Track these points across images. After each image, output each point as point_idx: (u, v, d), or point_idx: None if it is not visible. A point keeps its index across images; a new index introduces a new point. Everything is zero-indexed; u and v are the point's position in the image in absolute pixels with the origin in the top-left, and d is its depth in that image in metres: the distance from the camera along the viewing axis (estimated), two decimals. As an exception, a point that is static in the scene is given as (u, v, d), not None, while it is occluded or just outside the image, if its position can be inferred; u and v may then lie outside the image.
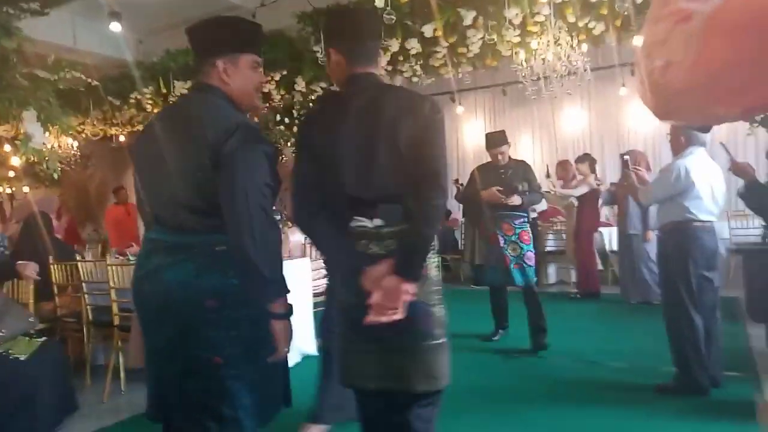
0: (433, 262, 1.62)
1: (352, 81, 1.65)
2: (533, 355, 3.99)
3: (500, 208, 4.24)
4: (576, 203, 6.38)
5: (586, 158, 6.39)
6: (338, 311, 1.74)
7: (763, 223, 4.34)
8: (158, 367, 1.65)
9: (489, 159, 4.47)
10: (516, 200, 4.20)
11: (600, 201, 6.24)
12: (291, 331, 1.63)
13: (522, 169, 4.41)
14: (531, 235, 4.34)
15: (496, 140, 4.42)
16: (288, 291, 1.62)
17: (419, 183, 1.52)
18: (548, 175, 7.00)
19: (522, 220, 4.30)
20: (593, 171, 6.33)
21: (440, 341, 1.60)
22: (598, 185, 6.33)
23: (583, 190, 6.20)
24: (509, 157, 4.43)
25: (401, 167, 1.54)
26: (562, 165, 6.68)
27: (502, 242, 4.24)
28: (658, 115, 0.64)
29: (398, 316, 1.48)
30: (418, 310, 1.55)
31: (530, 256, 4.25)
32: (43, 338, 2.97)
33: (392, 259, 1.51)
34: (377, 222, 1.57)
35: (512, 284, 4.24)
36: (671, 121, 0.87)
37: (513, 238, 4.24)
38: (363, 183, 1.57)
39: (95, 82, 5.52)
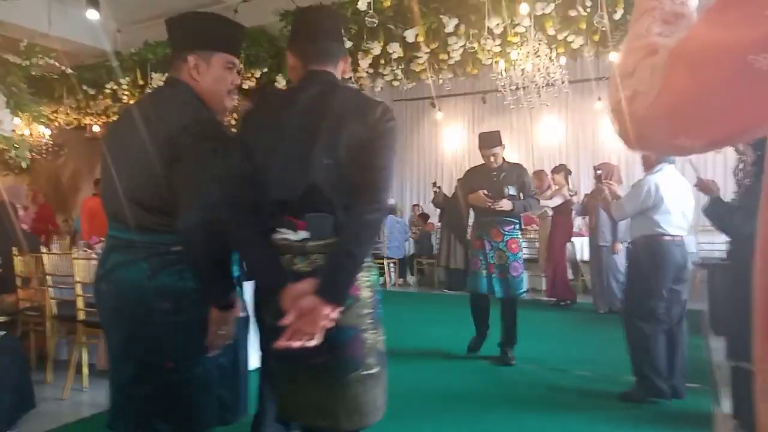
0: (366, 281, 1.44)
1: (303, 78, 1.52)
2: (501, 363, 4.03)
3: (489, 213, 3.99)
4: (550, 213, 6.48)
5: (562, 169, 6.49)
6: (262, 334, 1.62)
7: (728, 239, 4.47)
8: (114, 371, 1.59)
9: (478, 162, 4.22)
10: (505, 205, 3.92)
11: (573, 212, 6.36)
12: (231, 324, 1.54)
13: (516, 172, 4.11)
14: (520, 243, 4.09)
15: (488, 140, 4.13)
16: (232, 288, 1.53)
17: (355, 195, 1.38)
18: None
19: (512, 227, 4.05)
20: (567, 182, 6.44)
21: (373, 371, 1.43)
22: (572, 196, 6.45)
23: (557, 201, 6.30)
24: (503, 160, 4.14)
25: (337, 174, 1.39)
26: (538, 175, 6.77)
27: (488, 248, 4.01)
28: (627, 144, 0.66)
29: (313, 342, 1.32)
30: (346, 336, 1.39)
31: (516, 266, 3.99)
32: (1, 333, 2.89)
33: (316, 278, 1.35)
34: (303, 234, 1.40)
35: (492, 294, 4.02)
36: (640, 151, 0.90)
37: (500, 246, 4.00)
38: (290, 188, 1.40)
39: (69, 70, 5.39)
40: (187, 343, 1.49)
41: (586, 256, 6.57)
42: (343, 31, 1.67)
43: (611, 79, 0.66)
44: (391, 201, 6.82)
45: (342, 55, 1.58)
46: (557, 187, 6.40)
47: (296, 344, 1.31)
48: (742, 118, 0.55)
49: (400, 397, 2.64)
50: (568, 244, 6.64)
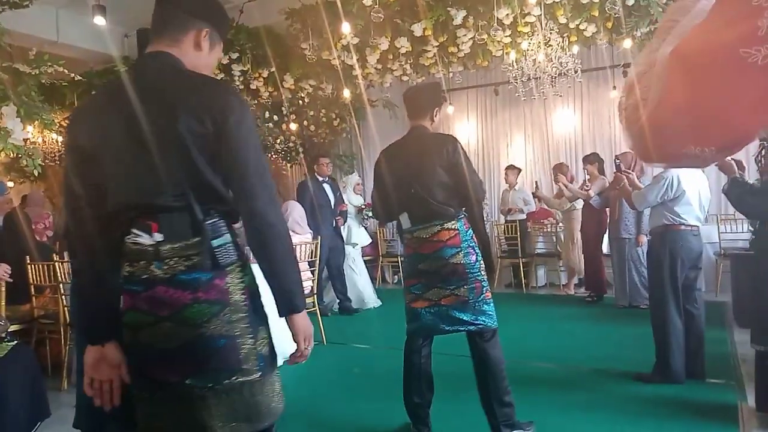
0: (238, 284, 1.31)
1: (137, 61, 1.37)
2: (508, 360, 3.95)
3: None
4: (577, 206, 6.29)
5: (595, 158, 6.19)
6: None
7: (751, 228, 4.33)
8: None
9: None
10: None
11: (594, 203, 6.13)
12: None
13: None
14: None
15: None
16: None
17: (221, 189, 1.29)
18: (537, 189, 6.90)
19: None
20: (601, 171, 6.17)
21: (251, 378, 1.31)
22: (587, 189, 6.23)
23: (596, 189, 6.04)
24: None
25: (189, 167, 1.25)
26: (560, 168, 6.56)
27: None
28: (643, 158, 0.61)
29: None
30: (215, 345, 1.26)
31: None
32: (14, 342, 2.90)
33: (174, 285, 1.25)
34: (157, 237, 1.26)
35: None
36: (657, 163, 0.84)
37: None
38: (139, 185, 1.28)
39: (78, 77, 5.42)
40: None
41: (606, 250, 6.38)
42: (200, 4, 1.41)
43: (625, 89, 0.63)
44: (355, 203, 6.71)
45: (191, 27, 1.36)
46: (589, 178, 6.17)
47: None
48: (746, 117, 0.50)
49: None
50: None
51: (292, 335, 1.42)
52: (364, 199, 6.88)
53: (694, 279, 3.39)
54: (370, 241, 6.99)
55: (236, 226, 1.39)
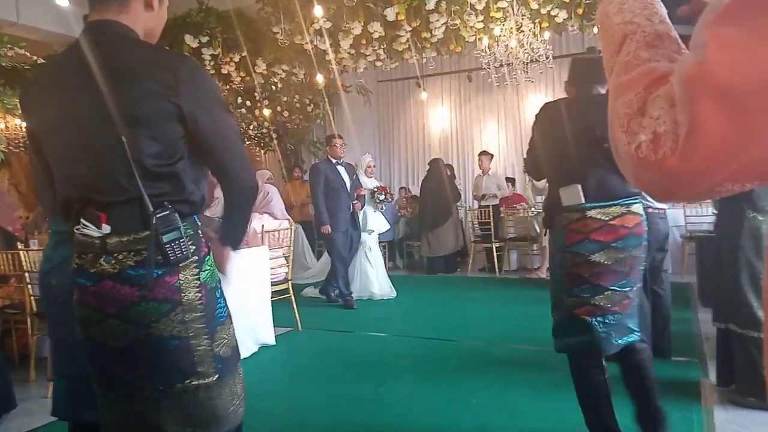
0: (192, 281, 1.22)
1: (84, 36, 1.22)
2: (482, 342, 4.02)
3: None
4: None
5: None
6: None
7: (715, 211, 4.46)
8: (69, 365, 1.56)
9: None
10: None
11: None
12: None
13: None
14: None
15: None
16: None
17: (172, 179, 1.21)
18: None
19: None
20: None
21: (208, 381, 1.24)
22: None
23: None
24: None
25: (140, 153, 1.16)
26: None
27: None
28: (658, 198, 0.55)
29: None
30: (168, 346, 1.20)
31: None
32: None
33: (122, 282, 1.17)
34: (105, 229, 1.18)
35: None
36: (676, 201, 0.75)
37: None
38: (87, 173, 1.19)
39: (41, 60, 5.24)
40: None
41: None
42: None
43: (616, 120, 0.54)
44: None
45: None
46: None
47: None
48: None
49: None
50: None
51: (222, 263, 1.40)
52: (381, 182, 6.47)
53: (661, 261, 3.47)
54: (388, 227, 6.51)
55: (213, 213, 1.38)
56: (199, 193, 1.26)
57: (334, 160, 5.54)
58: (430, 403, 2.94)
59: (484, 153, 7.53)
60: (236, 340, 1.34)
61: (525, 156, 2.42)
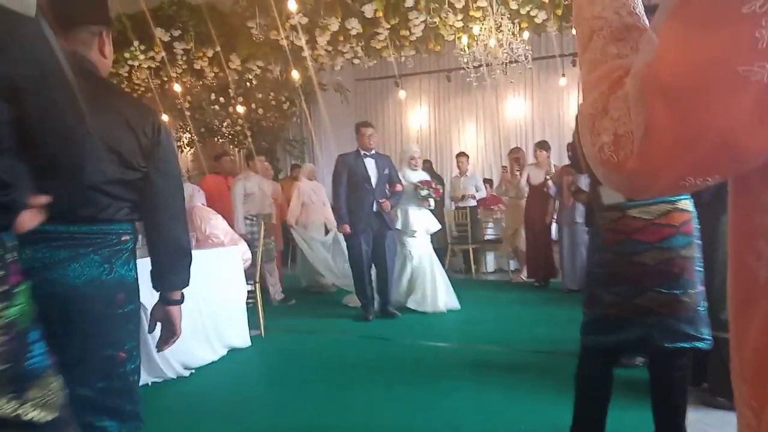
0: None
1: None
2: (456, 344, 3.96)
3: None
4: (527, 192, 6.33)
5: (545, 146, 6.28)
6: None
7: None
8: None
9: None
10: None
11: (550, 190, 6.17)
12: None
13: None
14: None
15: None
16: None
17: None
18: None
19: None
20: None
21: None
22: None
23: (541, 178, 6.09)
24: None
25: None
26: (517, 153, 6.59)
27: None
28: (626, 194, 0.55)
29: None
30: None
31: None
32: None
33: None
34: None
35: None
36: (642, 197, 0.76)
37: None
38: None
39: None
40: (134, 331, 1.50)
41: (554, 236, 6.47)
42: None
43: (583, 120, 0.54)
44: None
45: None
46: (536, 162, 6.24)
47: None
48: (758, 142, 0.43)
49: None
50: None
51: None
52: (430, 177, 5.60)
53: None
54: (439, 227, 5.46)
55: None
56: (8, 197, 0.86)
57: (363, 152, 4.88)
58: (402, 405, 2.86)
59: (462, 154, 7.49)
60: (66, 395, 0.98)
61: (569, 145, 2.38)
